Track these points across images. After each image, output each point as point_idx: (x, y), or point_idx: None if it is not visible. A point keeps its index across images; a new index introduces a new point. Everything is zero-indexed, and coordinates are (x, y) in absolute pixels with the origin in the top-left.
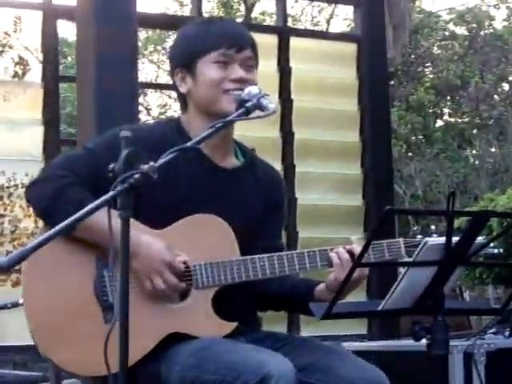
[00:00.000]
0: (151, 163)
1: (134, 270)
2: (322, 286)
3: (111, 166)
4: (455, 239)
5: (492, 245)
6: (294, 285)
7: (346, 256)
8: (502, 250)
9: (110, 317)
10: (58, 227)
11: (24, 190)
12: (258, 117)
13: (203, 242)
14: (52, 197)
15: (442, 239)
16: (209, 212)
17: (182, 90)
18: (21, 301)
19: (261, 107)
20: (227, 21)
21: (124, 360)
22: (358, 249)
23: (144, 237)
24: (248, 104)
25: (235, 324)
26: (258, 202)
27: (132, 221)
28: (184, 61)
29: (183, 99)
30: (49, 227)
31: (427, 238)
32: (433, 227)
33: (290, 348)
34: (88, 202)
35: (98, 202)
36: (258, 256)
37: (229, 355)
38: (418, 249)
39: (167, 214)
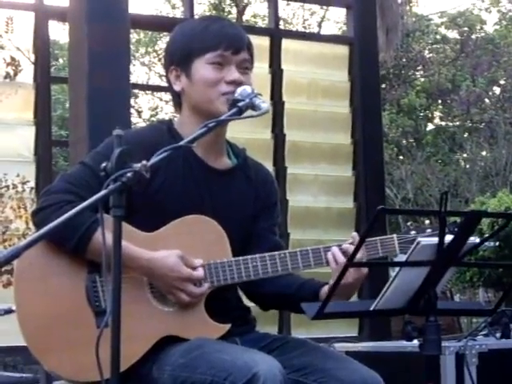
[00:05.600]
0: (144, 162)
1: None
2: (326, 287)
3: (103, 164)
4: (448, 239)
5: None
6: (300, 285)
7: (342, 258)
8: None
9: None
10: (48, 227)
11: (31, 214)
12: (251, 116)
13: (196, 243)
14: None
15: (435, 239)
16: (201, 213)
17: (176, 88)
18: (14, 307)
19: (253, 107)
20: (226, 21)
21: (116, 364)
22: (352, 248)
23: (157, 254)
24: (241, 104)
25: (228, 326)
26: (250, 203)
27: (123, 225)
28: (180, 59)
29: (177, 98)
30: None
31: (420, 238)
32: (427, 221)
33: (285, 349)
34: (97, 226)
35: (90, 200)
36: (250, 256)
37: (218, 355)
38: (411, 249)
39: (160, 215)
